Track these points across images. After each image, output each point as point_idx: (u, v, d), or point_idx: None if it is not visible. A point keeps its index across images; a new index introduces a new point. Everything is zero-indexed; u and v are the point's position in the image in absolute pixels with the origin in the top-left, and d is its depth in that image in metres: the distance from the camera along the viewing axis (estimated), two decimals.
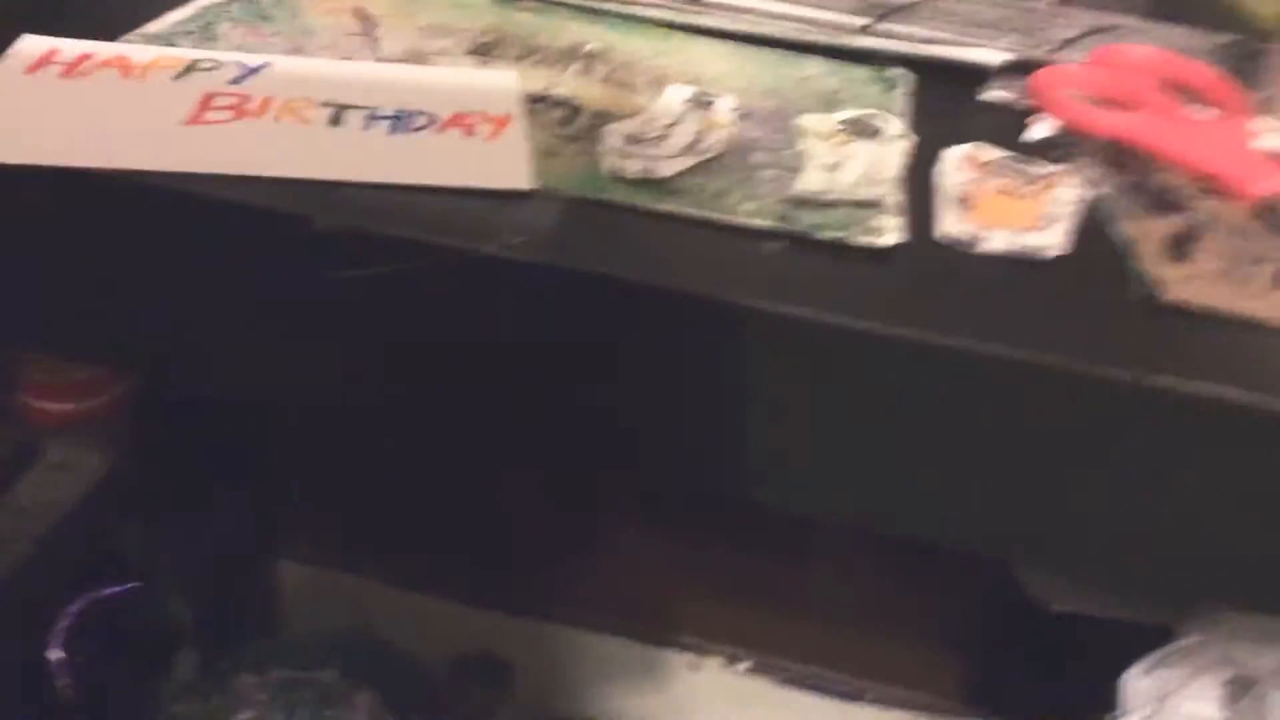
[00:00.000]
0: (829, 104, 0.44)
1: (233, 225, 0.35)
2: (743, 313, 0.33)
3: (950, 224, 0.37)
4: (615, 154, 0.38)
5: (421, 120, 0.39)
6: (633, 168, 0.38)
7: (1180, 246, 0.38)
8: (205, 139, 0.37)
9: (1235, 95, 0.47)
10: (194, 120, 0.38)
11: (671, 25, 0.50)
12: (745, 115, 0.42)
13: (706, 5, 0.51)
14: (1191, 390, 0.31)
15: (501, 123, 0.40)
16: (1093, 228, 0.39)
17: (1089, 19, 0.54)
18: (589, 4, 0.51)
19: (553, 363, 0.35)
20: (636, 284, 0.33)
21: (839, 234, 0.36)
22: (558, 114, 0.41)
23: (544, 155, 0.38)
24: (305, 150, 0.37)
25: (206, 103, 0.39)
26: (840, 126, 0.42)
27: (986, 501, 0.35)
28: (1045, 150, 0.43)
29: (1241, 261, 0.37)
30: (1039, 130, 0.45)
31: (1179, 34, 0.54)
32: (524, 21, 0.49)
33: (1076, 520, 0.34)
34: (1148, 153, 0.43)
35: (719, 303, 0.33)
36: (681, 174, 0.38)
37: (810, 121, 0.42)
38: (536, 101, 0.42)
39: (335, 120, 0.39)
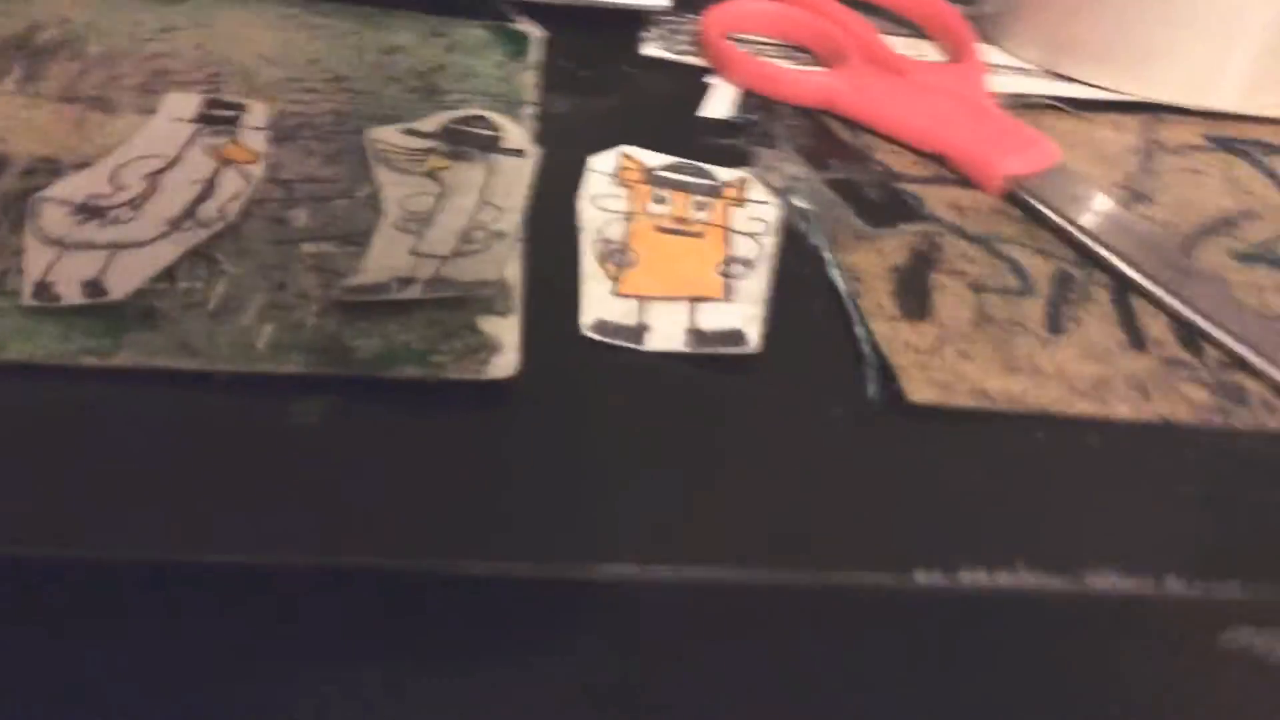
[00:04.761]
0: (428, 94, 0.31)
1: None
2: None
3: (594, 304, 0.25)
4: (47, 248, 0.24)
5: None
6: (69, 284, 0.23)
7: (915, 290, 0.27)
8: None
9: (959, 23, 0.36)
10: None
11: None
12: (284, 134, 0.28)
13: None
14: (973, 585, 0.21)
15: None
16: (800, 273, 0.27)
17: None
18: None
19: None
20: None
21: (426, 366, 0.23)
22: None
23: None
24: None
25: None
26: (429, 144, 0.28)
27: None
28: (727, 135, 0.31)
29: (996, 297, 0.27)
30: (716, 104, 0.32)
31: None
32: None
33: None
34: (859, 126, 0.32)
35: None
36: (161, 283, 0.24)
37: (384, 137, 0.28)
38: None
39: None
